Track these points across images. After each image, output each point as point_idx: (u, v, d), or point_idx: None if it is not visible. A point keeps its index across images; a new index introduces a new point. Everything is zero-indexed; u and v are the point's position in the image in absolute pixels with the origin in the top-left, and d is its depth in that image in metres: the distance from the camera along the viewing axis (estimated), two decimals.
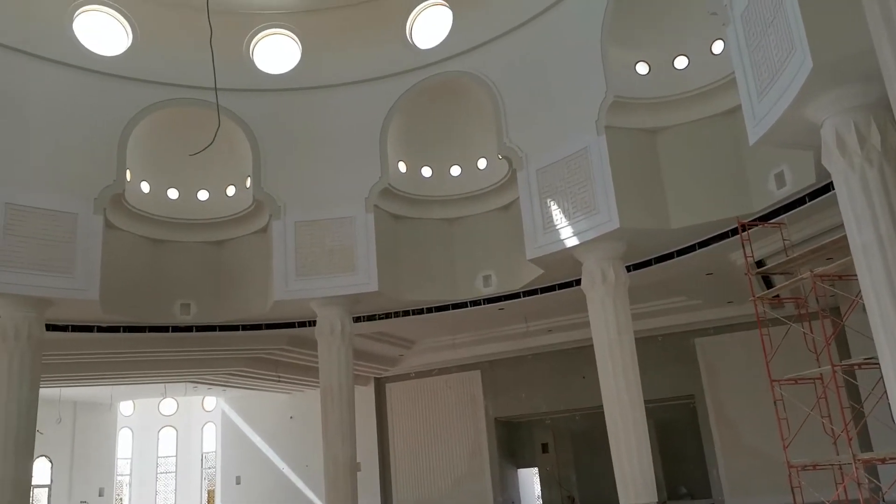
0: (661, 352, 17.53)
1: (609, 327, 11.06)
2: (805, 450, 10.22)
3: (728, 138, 10.79)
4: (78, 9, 12.76)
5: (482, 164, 13.97)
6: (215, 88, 10.74)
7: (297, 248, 13.22)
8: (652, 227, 10.98)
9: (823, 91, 7.06)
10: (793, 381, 10.33)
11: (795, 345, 10.49)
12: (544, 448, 21.46)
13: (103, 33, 13.15)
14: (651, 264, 12.30)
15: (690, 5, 10.48)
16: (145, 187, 13.87)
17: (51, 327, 12.48)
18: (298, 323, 14.65)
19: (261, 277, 13.73)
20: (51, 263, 11.60)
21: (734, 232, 11.03)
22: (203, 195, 14.31)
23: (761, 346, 10.03)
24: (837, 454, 9.92)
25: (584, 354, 16.40)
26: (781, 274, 11.25)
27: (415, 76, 13.62)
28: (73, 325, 13.40)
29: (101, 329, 13.62)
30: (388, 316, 14.70)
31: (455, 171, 14.16)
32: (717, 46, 10.75)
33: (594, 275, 11.27)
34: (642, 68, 11.26)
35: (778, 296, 10.69)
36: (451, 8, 13.65)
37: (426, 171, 14.20)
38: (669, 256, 12.10)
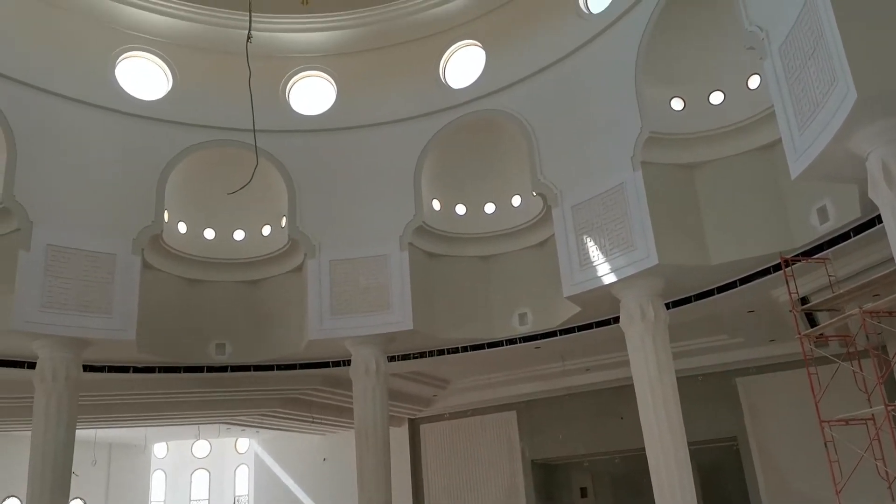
0: (701, 392, 17.07)
1: (649, 366, 10.80)
2: (857, 495, 9.79)
3: (767, 173, 10.60)
4: (120, 55, 13.16)
5: (517, 201, 13.92)
6: (253, 130, 10.89)
7: (332, 287, 13.23)
8: (691, 263, 10.77)
9: (868, 122, 6.92)
10: (843, 423, 9.96)
11: (842, 384, 10.13)
12: (583, 492, 20.94)
13: (145, 78, 13.51)
14: (691, 301, 12.04)
15: (725, 40, 10.42)
16: (182, 227, 14.05)
17: (87, 368, 12.56)
18: (333, 362, 14.58)
19: (295, 317, 13.74)
20: (89, 304, 11.73)
21: (776, 268, 10.78)
22: (239, 235, 14.45)
23: (806, 385, 9.73)
24: (893, 499, 9.47)
25: (622, 394, 16.07)
26: (826, 311, 10.96)
27: (448, 115, 13.71)
28: (109, 366, 13.49)
29: (136, 370, 13.70)
30: (422, 355, 14.57)
31: (489, 208, 14.12)
32: (754, 81, 10.63)
33: (633, 312, 11.06)
34: (677, 104, 11.18)
35: (823, 334, 10.39)
36: (483, 48, 13.80)
37: (460, 209, 14.19)
38: (710, 293, 11.84)
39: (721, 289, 11.72)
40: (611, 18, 11.74)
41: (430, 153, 13.68)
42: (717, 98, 10.95)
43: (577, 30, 12.38)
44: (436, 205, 14.00)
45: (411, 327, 12.82)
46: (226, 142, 13.58)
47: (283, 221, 13.90)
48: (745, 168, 10.77)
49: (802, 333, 10.14)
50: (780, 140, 9.38)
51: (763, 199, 10.64)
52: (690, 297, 12.02)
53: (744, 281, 11.43)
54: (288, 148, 13.76)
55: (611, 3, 11.86)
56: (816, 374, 9.95)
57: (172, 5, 13.23)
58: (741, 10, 9.05)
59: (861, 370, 9.90)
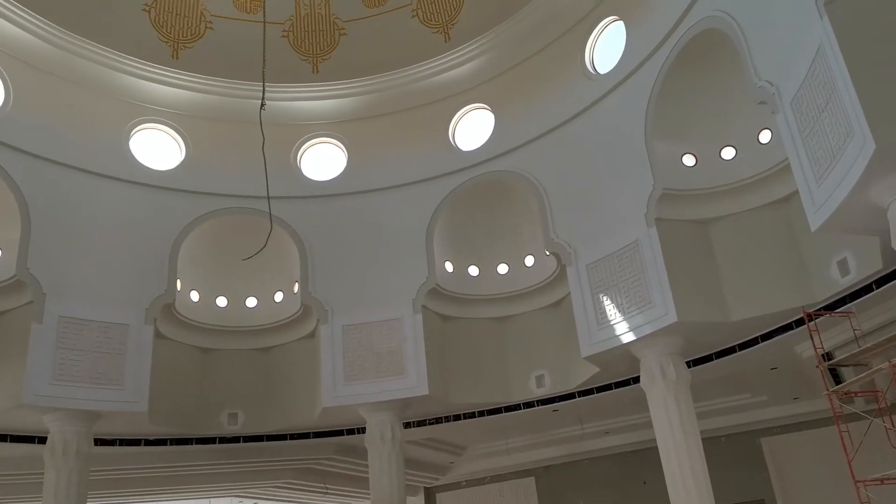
0: (725, 453, 16.51)
1: (673, 427, 10.48)
2: None
3: (784, 226, 10.49)
4: (135, 127, 13.39)
5: (530, 261, 13.81)
6: (268, 196, 10.93)
7: (346, 353, 13.05)
8: (711, 320, 10.57)
9: (888, 172, 6.84)
10: (878, 482, 9.58)
11: (872, 441, 9.78)
12: None
13: (158, 148, 13.71)
14: (712, 359, 11.77)
15: (734, 96, 10.46)
16: (195, 296, 13.98)
17: (98, 441, 12.32)
18: (347, 430, 14.26)
19: (308, 384, 13.51)
20: (101, 376, 11.59)
21: (798, 323, 10.55)
22: (251, 302, 14.35)
23: (833, 444, 9.40)
24: None
25: (645, 458, 15.60)
26: (852, 366, 10.67)
27: (459, 177, 13.77)
28: (120, 439, 13.23)
29: (148, 442, 13.41)
30: (438, 421, 14.24)
31: (503, 269, 14.01)
32: (765, 136, 10.62)
33: (653, 371, 10.81)
34: (689, 160, 11.17)
35: (850, 390, 10.09)
36: (492, 110, 13.95)
37: (473, 271, 14.09)
38: (731, 351, 11.58)
39: (742, 346, 11.47)
40: (619, 78, 11.86)
41: (442, 215, 13.69)
42: (728, 153, 10.93)
43: (586, 90, 12.51)
44: (448, 267, 13.91)
45: (427, 392, 12.57)
46: (238, 209, 13.66)
47: (296, 287, 13.83)
48: (762, 222, 10.67)
49: (830, 390, 9.86)
50: (795, 193, 9.34)
51: (781, 252, 10.50)
52: (711, 354, 11.76)
53: (765, 337, 11.19)
54: (300, 214, 13.81)
55: (618, 64, 12.01)
56: (847, 431, 9.63)
57: (185, 78, 13.54)
58: (749, 66, 9.12)
59: (893, 426, 9.57)
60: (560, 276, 12.67)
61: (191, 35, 13.66)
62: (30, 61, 12.30)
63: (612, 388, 12.91)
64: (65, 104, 12.62)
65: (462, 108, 14.33)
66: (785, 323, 10.82)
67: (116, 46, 12.88)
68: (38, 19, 12.02)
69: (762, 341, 11.20)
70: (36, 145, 12.05)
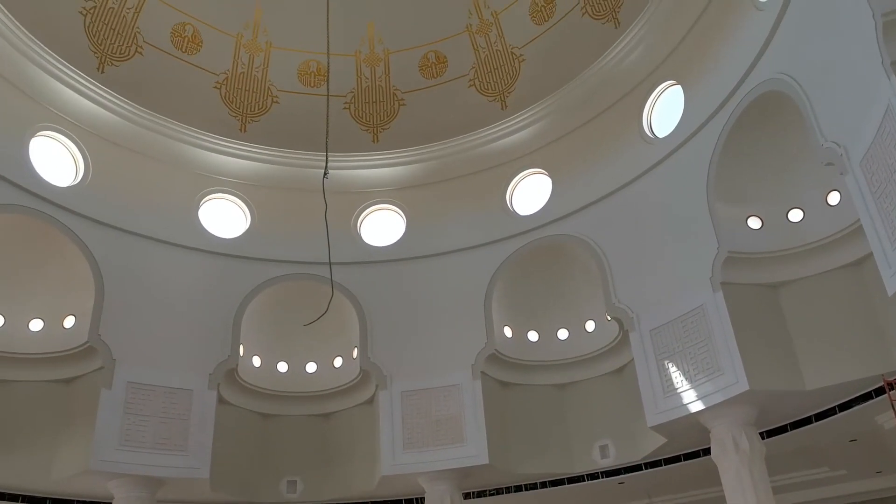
0: None
1: (748, 502, 9.94)
2: None
3: (859, 290, 10.06)
4: (203, 198, 13.91)
5: (591, 326, 13.57)
6: (329, 262, 11.10)
7: (404, 420, 12.92)
8: (784, 389, 10.10)
9: None
10: None
11: None
12: None
13: (225, 217, 14.17)
14: (787, 430, 11.21)
15: (799, 157, 10.26)
16: (256, 361, 14.14)
17: None
18: (406, 500, 13.99)
19: (367, 452, 13.39)
20: (166, 442, 11.72)
21: (878, 392, 9.99)
22: (311, 367, 14.42)
23: None
24: None
25: None
26: None
27: (516, 241, 13.76)
28: None
29: None
30: (499, 492, 13.84)
31: (563, 334, 13.78)
32: (834, 197, 10.32)
33: (725, 443, 10.33)
34: (754, 222, 10.92)
35: None
36: (549, 175, 14.00)
37: (533, 336, 13.90)
38: (807, 421, 11.01)
39: (819, 416, 10.89)
40: (678, 141, 11.79)
41: (500, 280, 13.64)
42: (796, 215, 10.64)
43: (644, 153, 12.47)
44: (507, 332, 13.78)
45: (487, 461, 12.29)
46: (300, 275, 13.90)
47: (355, 353, 13.87)
48: (835, 286, 10.27)
49: None
50: (869, 256, 9.01)
51: (857, 317, 10.04)
52: (786, 425, 11.21)
53: (843, 407, 10.61)
54: (360, 279, 13.96)
55: (677, 127, 11.95)
56: None
57: (252, 150, 14.07)
58: (815, 127, 8.95)
59: None
60: (622, 341, 12.39)
61: (258, 109, 14.25)
62: (108, 137, 12.97)
63: (680, 460, 12.37)
64: (139, 177, 13.21)
65: (519, 173, 14.43)
66: (864, 392, 10.27)
67: (189, 121, 13.52)
68: (118, 98, 12.73)
69: (840, 411, 10.63)
70: (111, 216, 12.59)
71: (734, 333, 10.18)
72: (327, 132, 11.81)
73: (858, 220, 8.47)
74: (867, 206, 7.98)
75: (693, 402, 10.56)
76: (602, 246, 12.64)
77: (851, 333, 9.98)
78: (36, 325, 11.98)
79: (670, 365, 11.01)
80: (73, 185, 12.39)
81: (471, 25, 14.35)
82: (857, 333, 9.95)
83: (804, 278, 10.46)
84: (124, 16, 12.90)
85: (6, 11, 11.23)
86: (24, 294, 11.97)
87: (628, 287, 12.05)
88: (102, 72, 12.64)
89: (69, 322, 12.11)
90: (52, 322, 12.09)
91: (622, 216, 12.55)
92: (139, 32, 13.09)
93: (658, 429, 11.16)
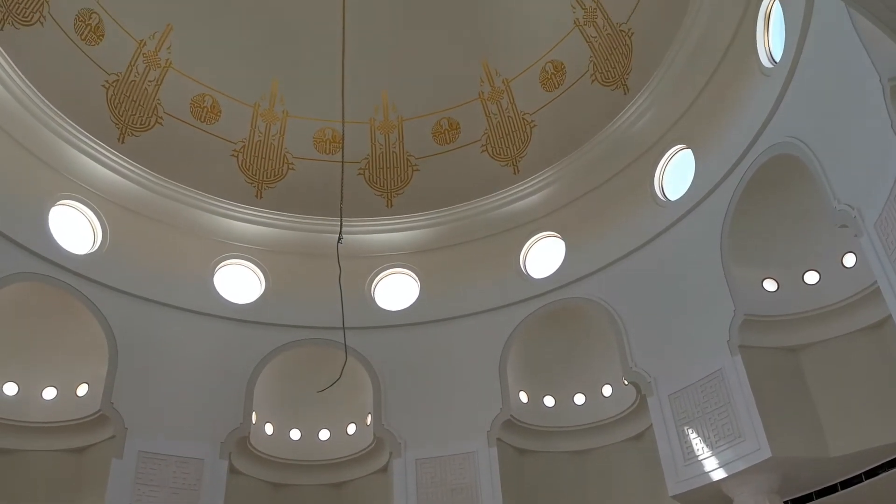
0: None
1: None
2: None
3: (880, 353, 9.85)
4: (219, 264, 14.03)
5: (608, 391, 13.33)
6: (343, 327, 11.05)
7: (419, 489, 12.63)
8: (808, 455, 9.81)
9: None
10: None
11: None
12: None
13: (240, 282, 14.27)
14: (812, 499, 10.83)
15: (813, 219, 10.22)
16: (269, 429, 13.97)
17: None
18: None
19: None
20: None
21: None
22: (324, 434, 14.21)
23: None
24: None
25: None
26: None
27: (531, 305, 13.69)
28: None
29: None
30: None
31: (579, 399, 13.54)
32: (849, 259, 10.23)
33: None
34: (770, 285, 10.83)
35: None
36: (563, 238, 14.02)
37: (549, 401, 13.67)
38: (832, 489, 10.62)
39: (845, 484, 10.51)
40: (690, 204, 11.82)
41: (515, 344, 13.53)
42: (812, 278, 10.53)
43: (657, 216, 12.49)
44: (523, 397, 13.58)
45: None
46: (314, 341, 13.85)
47: (369, 419, 13.69)
48: (855, 349, 10.08)
49: None
50: (889, 318, 8.86)
51: (880, 381, 9.81)
52: (811, 493, 10.82)
53: (870, 474, 10.24)
54: (373, 344, 13.88)
55: (689, 190, 12.01)
56: None
57: (268, 216, 14.28)
58: (827, 190, 8.96)
59: None
60: (640, 406, 12.14)
61: (274, 176, 14.51)
62: (127, 205, 13.22)
63: None
64: (156, 243, 13.38)
65: (533, 236, 14.48)
66: (891, 458, 9.94)
67: (206, 189, 13.77)
68: (137, 167, 13.04)
69: (866, 479, 10.26)
70: (127, 283, 12.70)
71: (754, 399, 9.98)
72: (342, 198, 11.94)
73: (876, 281, 8.38)
74: (884, 268, 7.91)
75: (714, 469, 10.28)
76: (617, 309, 12.55)
77: (875, 397, 9.74)
78: (49, 393, 11.97)
79: (690, 431, 10.77)
80: (91, 253, 12.56)
81: (483, 92, 14.66)
82: (880, 397, 9.71)
83: (823, 341, 10.29)
84: (146, 88, 13.31)
85: (32, 86, 11.62)
86: (39, 362, 12.00)
87: (645, 351, 11.91)
88: (123, 142, 12.97)
89: (82, 390, 12.10)
90: (66, 390, 12.08)
91: (637, 279, 12.49)
92: (160, 104, 13.48)
93: (680, 498, 10.83)
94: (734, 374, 10.31)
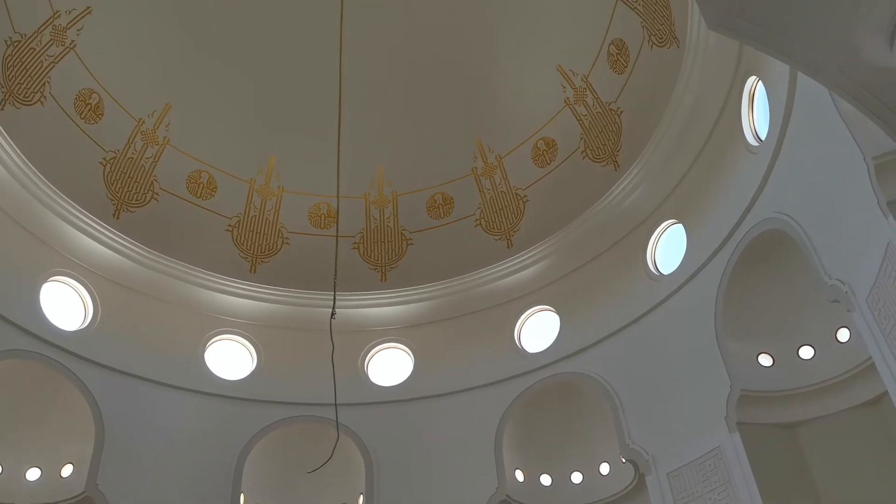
0: None
1: None
2: None
3: (879, 429, 9.70)
4: (210, 339, 13.90)
5: (605, 468, 13.04)
6: (335, 404, 10.88)
7: None
8: None
9: None
10: None
11: None
12: None
13: (231, 358, 14.13)
14: None
15: (805, 293, 10.23)
16: None
17: None
18: None
19: None
20: None
21: None
22: None
23: None
24: None
25: None
26: None
27: (526, 380, 13.54)
28: None
29: None
30: None
31: (576, 477, 13.24)
32: (843, 334, 10.20)
33: None
34: (765, 360, 10.75)
35: None
36: (557, 312, 13.99)
37: (545, 479, 13.35)
38: None
39: None
40: (683, 278, 11.86)
41: (510, 420, 13.32)
42: (807, 352, 10.47)
43: (650, 290, 12.50)
44: (519, 475, 13.27)
45: None
46: (305, 417, 13.61)
47: (361, 500, 13.32)
48: (853, 425, 9.91)
49: None
50: (886, 393, 8.77)
51: (878, 457, 9.61)
52: None
53: None
54: (366, 421, 13.64)
55: (681, 264, 12.06)
56: None
57: (261, 291, 14.25)
58: (817, 265, 9.00)
59: None
60: (639, 485, 11.87)
61: (269, 250, 14.57)
62: (119, 280, 13.19)
63: None
64: (147, 319, 13.29)
65: (527, 310, 14.45)
66: None
67: (199, 263, 13.78)
68: (131, 243, 13.08)
69: None
70: (117, 360, 12.55)
71: (754, 477, 9.77)
72: (335, 273, 11.92)
73: (871, 357, 8.33)
74: (878, 343, 7.88)
75: None
76: (613, 384, 12.42)
77: (875, 474, 9.54)
78: (33, 473, 11.66)
79: None
80: (81, 329, 12.46)
81: (476, 168, 14.89)
82: (882, 474, 9.51)
83: (821, 417, 10.14)
84: (143, 165, 13.49)
85: (29, 163, 11.75)
86: (24, 441, 11.73)
87: (642, 427, 11.73)
88: (118, 218, 13.05)
89: (67, 471, 11.79)
90: (50, 470, 11.77)
91: (632, 353, 12.41)
92: (156, 180, 13.64)
93: None
94: (733, 451, 10.14)
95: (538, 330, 14.34)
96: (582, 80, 13.46)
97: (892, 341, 7.59)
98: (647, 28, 12.06)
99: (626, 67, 12.80)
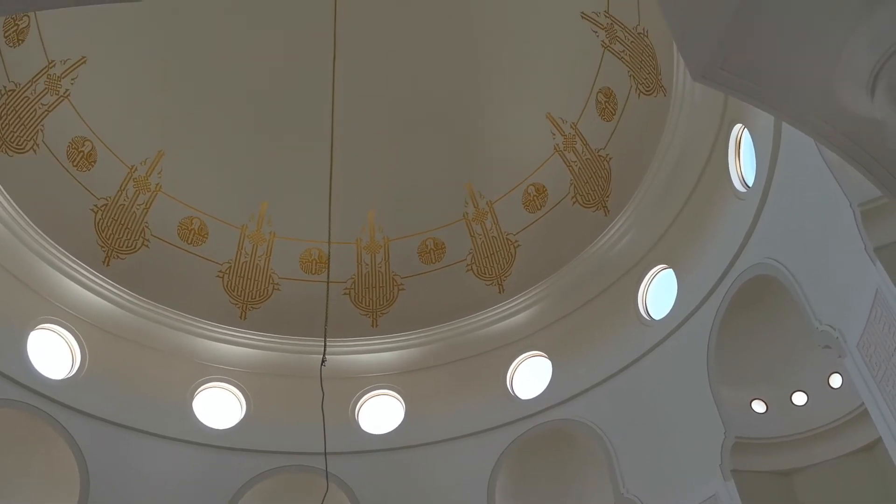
0: None
1: None
2: None
3: (876, 475, 9.64)
4: (199, 387, 13.73)
5: None
6: (325, 453, 10.72)
7: None
8: None
9: None
10: None
11: None
12: None
13: (219, 406, 13.94)
14: None
15: (797, 338, 10.21)
16: None
17: None
18: None
19: None
20: None
21: None
22: None
23: None
24: None
25: None
26: None
27: (519, 427, 13.40)
28: None
29: None
30: None
31: None
32: (835, 380, 10.18)
33: None
34: (759, 406, 10.70)
35: None
36: (549, 358, 13.92)
37: None
38: None
39: None
40: (674, 324, 11.85)
41: (503, 468, 13.13)
42: (800, 399, 10.43)
43: (642, 336, 12.47)
44: None
45: None
46: (294, 467, 13.37)
47: None
48: (847, 472, 9.84)
49: None
50: (880, 440, 8.72)
51: (875, 503, 9.57)
52: None
53: None
54: (357, 470, 13.42)
55: (672, 310, 12.07)
56: None
57: (251, 337, 14.13)
58: (808, 310, 9.02)
59: None
60: None
61: (259, 297, 14.50)
62: (108, 328, 13.04)
63: None
64: (135, 367, 13.12)
65: (519, 356, 14.36)
66: None
67: (189, 310, 13.67)
68: (121, 290, 12.96)
69: None
70: (104, 409, 12.33)
71: None
72: (326, 319, 11.86)
73: (864, 403, 8.29)
74: (870, 389, 7.86)
75: None
76: (606, 431, 12.30)
77: None
78: None
79: None
80: (68, 378, 12.28)
81: (467, 213, 14.96)
82: None
83: (816, 464, 10.07)
84: (134, 212, 13.49)
85: (18, 208, 11.69)
86: (7, 492, 11.45)
87: (636, 475, 11.58)
88: (108, 265, 13.00)
89: None
90: None
91: (625, 400, 12.32)
92: (147, 227, 13.63)
93: None
94: (729, 500, 10.01)
95: (530, 376, 14.27)
96: (571, 127, 13.64)
97: (885, 387, 7.57)
98: (634, 77, 12.28)
99: (614, 115, 13.00)
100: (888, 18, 3.89)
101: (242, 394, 14.03)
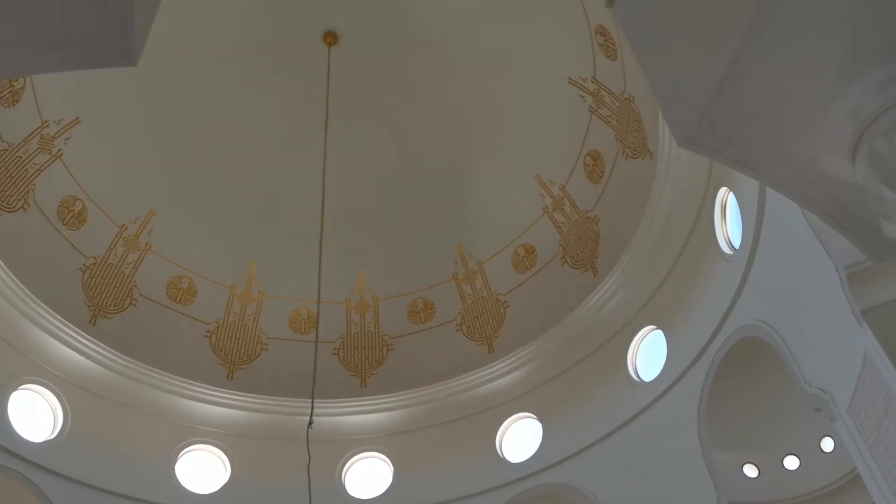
0: None
1: None
2: None
3: None
4: (182, 450, 13.42)
5: None
6: None
7: None
8: None
9: None
10: None
11: None
12: None
13: (203, 468, 13.61)
14: None
15: (788, 401, 10.21)
16: None
17: None
18: None
19: None
20: None
21: None
22: None
23: None
24: None
25: None
26: None
27: (509, 491, 13.14)
28: None
29: None
30: None
31: None
32: (827, 444, 10.13)
33: None
34: (751, 470, 10.60)
35: None
36: (539, 420, 13.77)
37: None
38: None
39: None
40: (664, 386, 11.79)
41: None
42: (792, 463, 10.36)
43: (632, 397, 12.39)
44: None
45: None
46: None
47: None
48: None
49: None
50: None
51: None
52: None
53: None
54: None
55: (662, 372, 12.02)
56: None
57: (237, 398, 13.91)
58: (797, 373, 9.00)
59: None
60: None
61: (247, 357, 14.35)
62: (92, 389, 12.80)
63: None
64: (118, 429, 12.84)
65: (509, 417, 14.19)
66: None
67: (176, 371, 13.47)
68: (106, 350, 12.78)
69: None
70: (85, 473, 11.99)
71: None
72: (314, 381, 11.73)
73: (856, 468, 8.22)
74: (861, 454, 7.79)
75: None
76: (598, 496, 12.09)
77: None
78: None
79: None
80: (50, 440, 11.98)
81: (457, 274, 14.99)
82: None
83: None
84: (123, 271, 13.43)
85: (5, 266, 11.58)
86: None
87: None
88: (94, 324, 12.86)
89: None
90: None
91: (616, 463, 12.15)
92: (135, 286, 13.55)
93: None
94: None
95: (520, 437, 14.05)
96: (560, 189, 13.82)
97: (876, 452, 7.51)
98: (621, 141, 12.51)
99: (601, 177, 13.20)
100: (863, 93, 4.05)
101: (227, 456, 13.71)
